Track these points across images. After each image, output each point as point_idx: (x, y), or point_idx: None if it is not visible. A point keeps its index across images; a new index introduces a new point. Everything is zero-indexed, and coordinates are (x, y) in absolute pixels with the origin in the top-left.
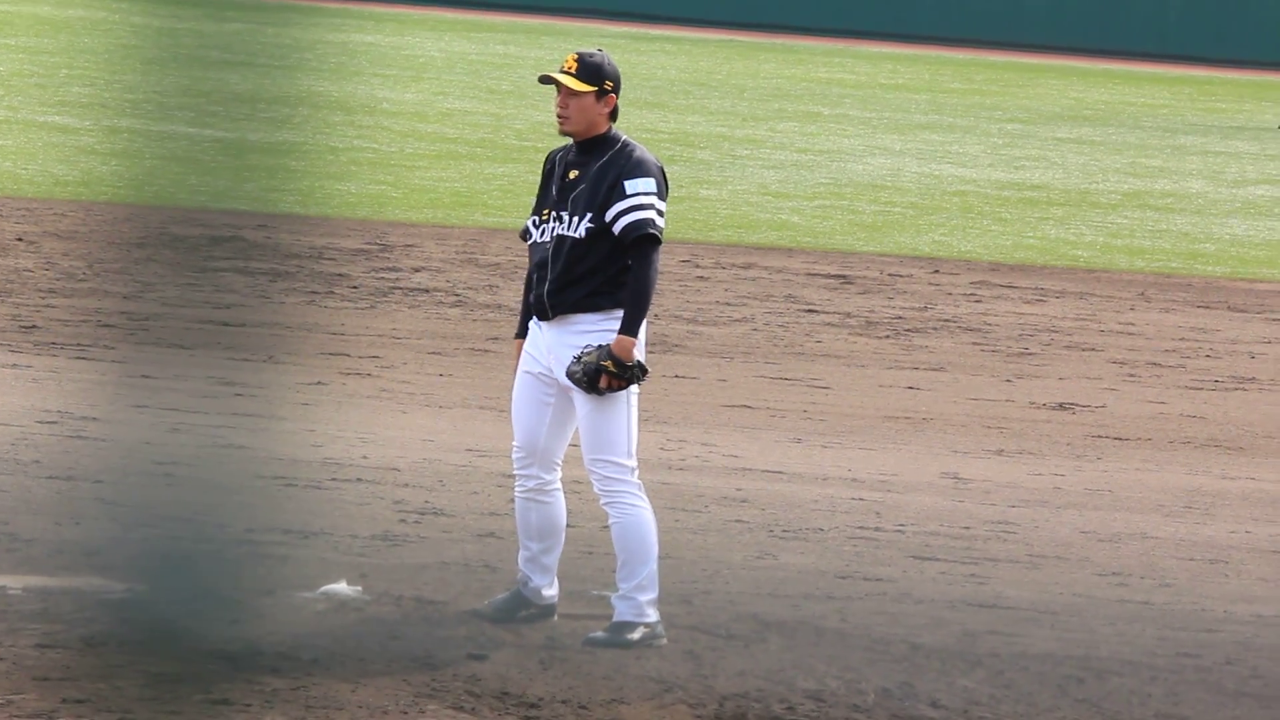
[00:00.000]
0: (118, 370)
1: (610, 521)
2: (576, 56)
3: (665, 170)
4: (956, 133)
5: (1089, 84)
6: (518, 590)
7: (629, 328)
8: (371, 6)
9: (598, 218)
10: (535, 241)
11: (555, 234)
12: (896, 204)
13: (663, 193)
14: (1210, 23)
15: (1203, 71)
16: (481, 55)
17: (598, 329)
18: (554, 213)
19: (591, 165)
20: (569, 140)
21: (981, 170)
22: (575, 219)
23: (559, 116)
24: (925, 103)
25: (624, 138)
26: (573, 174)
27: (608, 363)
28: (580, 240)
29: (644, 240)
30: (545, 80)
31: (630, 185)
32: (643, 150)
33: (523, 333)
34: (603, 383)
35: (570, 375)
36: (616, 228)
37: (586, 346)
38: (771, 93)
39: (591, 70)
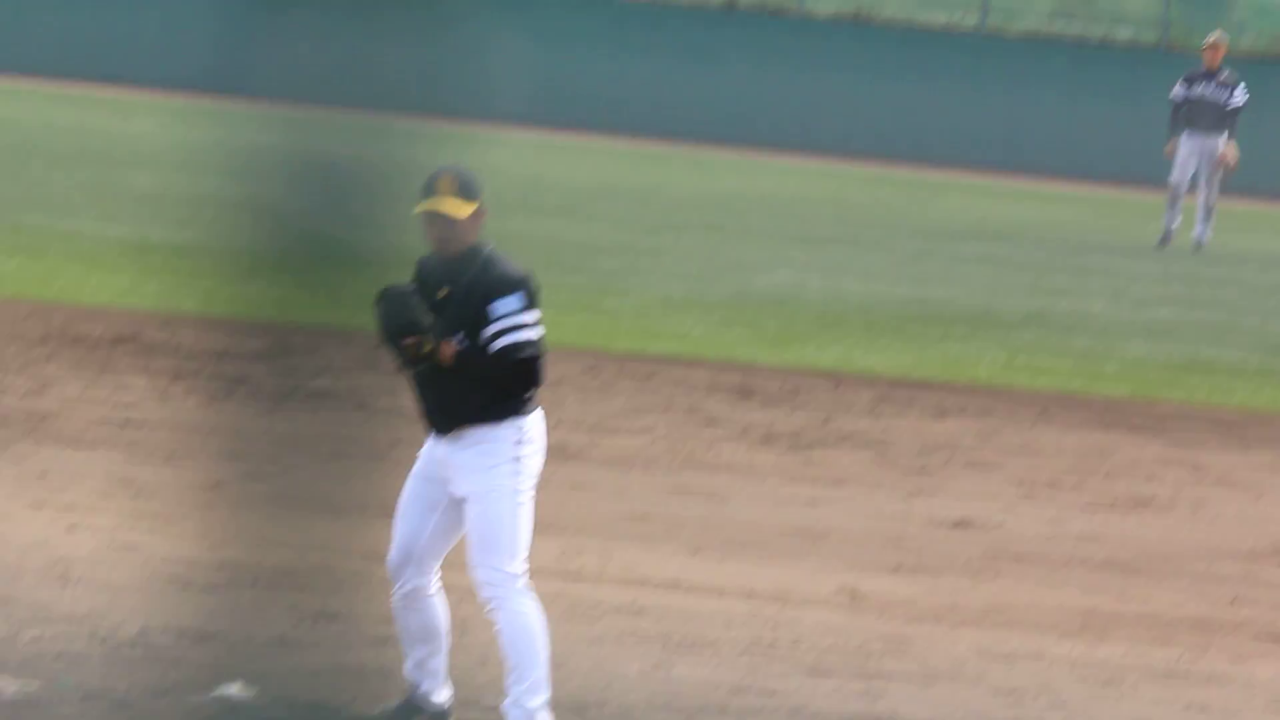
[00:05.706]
0: (15, 467)
1: (497, 628)
2: (452, 175)
3: (530, 279)
4: (861, 247)
5: (993, 201)
6: (410, 697)
7: (472, 356)
8: (278, 108)
9: (471, 338)
10: None
11: None
12: (800, 317)
13: (531, 304)
14: (1117, 142)
15: (1108, 191)
16: (386, 160)
17: (493, 436)
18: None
19: (460, 281)
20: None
21: (885, 285)
22: (450, 339)
23: (438, 240)
24: (830, 217)
25: (486, 249)
26: (442, 292)
27: (416, 339)
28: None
29: (522, 362)
30: (427, 213)
31: (496, 308)
32: (504, 263)
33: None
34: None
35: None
36: (491, 350)
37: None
38: (677, 203)
39: (468, 186)
